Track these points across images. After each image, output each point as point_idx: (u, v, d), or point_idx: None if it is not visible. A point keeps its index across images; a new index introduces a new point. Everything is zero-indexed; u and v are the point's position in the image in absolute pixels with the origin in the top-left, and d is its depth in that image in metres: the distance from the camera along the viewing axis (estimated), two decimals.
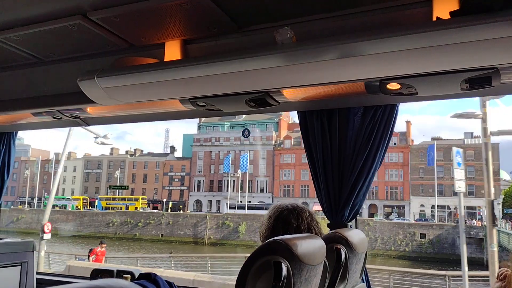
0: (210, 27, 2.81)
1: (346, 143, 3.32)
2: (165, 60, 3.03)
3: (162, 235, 65.31)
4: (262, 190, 79.98)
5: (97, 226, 68.45)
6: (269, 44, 2.49)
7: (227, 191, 78.82)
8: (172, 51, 3.04)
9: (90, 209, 79.23)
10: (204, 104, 3.14)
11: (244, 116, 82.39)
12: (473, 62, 2.17)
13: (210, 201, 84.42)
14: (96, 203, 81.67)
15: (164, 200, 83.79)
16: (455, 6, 2.15)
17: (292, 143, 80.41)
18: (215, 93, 2.93)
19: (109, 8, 2.63)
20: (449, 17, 2.10)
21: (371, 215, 69.14)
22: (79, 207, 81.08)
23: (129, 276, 3.09)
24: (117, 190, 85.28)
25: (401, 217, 67.15)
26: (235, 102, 3.04)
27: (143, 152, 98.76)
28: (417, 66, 2.27)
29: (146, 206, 79.45)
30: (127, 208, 75.46)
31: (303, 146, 3.54)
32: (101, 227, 68.37)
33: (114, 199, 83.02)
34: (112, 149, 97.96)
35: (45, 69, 3.63)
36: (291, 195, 76.89)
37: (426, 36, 2.05)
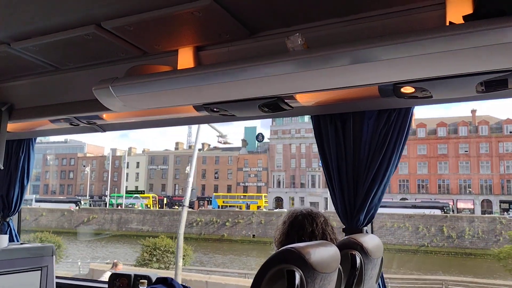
0: (222, 34, 2.85)
1: (361, 147, 3.28)
2: (178, 67, 3.09)
3: (253, 235, 58.67)
4: None
5: (178, 226, 62.39)
6: (282, 50, 2.48)
7: (312, 187, 72.52)
8: (185, 58, 3.08)
9: (159, 208, 73.46)
10: (217, 110, 3.15)
11: None
12: (488, 66, 2.14)
13: (292, 198, 76.61)
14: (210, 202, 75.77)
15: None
16: (468, 10, 2.14)
17: None
18: (228, 99, 2.94)
19: (122, 18, 2.69)
20: (462, 21, 2.08)
21: (484, 212, 62.18)
22: (148, 205, 74.91)
23: (146, 281, 3.10)
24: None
25: None
26: (248, 108, 3.03)
27: (210, 147, 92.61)
28: (431, 71, 2.24)
29: (268, 204, 71.91)
30: (248, 207, 67.09)
31: (317, 150, 3.51)
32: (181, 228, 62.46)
33: (232, 196, 75.38)
34: (177, 143, 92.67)
35: (62, 77, 3.73)
36: (387, 191, 68.13)
37: (440, 41, 2.02)
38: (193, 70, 2.81)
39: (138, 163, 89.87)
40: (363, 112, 3.29)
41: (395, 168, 3.28)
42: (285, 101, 2.96)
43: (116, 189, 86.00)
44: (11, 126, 4.33)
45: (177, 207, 74.35)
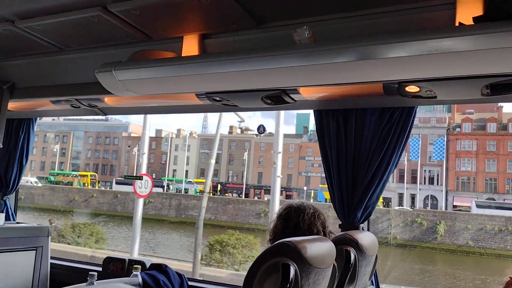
0: (228, 22, 2.83)
1: (362, 144, 3.28)
2: (182, 54, 3.08)
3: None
4: (431, 181, 66.28)
5: (244, 216, 57.44)
6: (288, 42, 2.47)
7: None
8: (190, 45, 3.08)
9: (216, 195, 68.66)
10: (220, 99, 3.15)
11: None
12: (495, 69, 2.14)
13: None
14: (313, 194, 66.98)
15: (305, 188, 69.58)
16: (478, 11, 2.13)
17: (473, 127, 66.03)
18: (231, 89, 2.94)
19: (128, 1, 2.66)
20: (472, 22, 2.08)
21: None
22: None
23: (140, 266, 3.11)
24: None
25: None
26: (251, 99, 3.06)
27: (266, 132, 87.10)
28: (437, 71, 2.24)
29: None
30: None
31: (318, 144, 3.50)
32: (249, 217, 57.25)
33: None
34: (231, 127, 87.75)
35: (65, 58, 3.71)
36: (471, 189, 63.22)
37: (448, 42, 2.01)
38: (197, 58, 2.80)
39: (188, 146, 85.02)
40: (366, 109, 3.26)
41: (395, 167, 3.26)
42: (289, 94, 2.95)
43: (163, 172, 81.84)
44: (12, 105, 4.31)
45: (230, 195, 70.07)
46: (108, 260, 3.69)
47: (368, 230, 3.38)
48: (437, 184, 65.61)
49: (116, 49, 3.37)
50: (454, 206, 61.40)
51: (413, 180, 65.20)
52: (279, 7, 2.66)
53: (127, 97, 3.59)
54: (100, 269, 3.73)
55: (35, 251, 4.10)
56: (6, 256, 3.89)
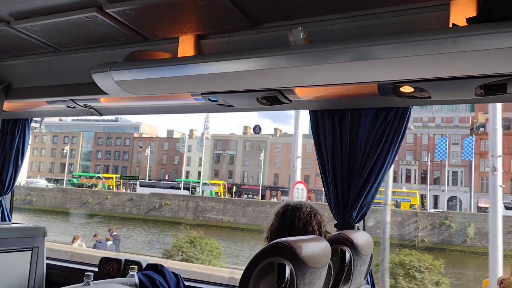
0: (224, 23, 2.82)
1: (357, 144, 3.28)
2: (178, 54, 3.07)
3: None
4: (454, 183, 64.88)
5: (264, 219, 54.96)
6: (283, 43, 2.48)
7: (407, 181, 65.72)
8: (186, 45, 3.06)
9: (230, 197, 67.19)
10: (216, 99, 3.15)
11: None
12: (489, 69, 2.15)
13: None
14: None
15: (324, 190, 69.12)
16: (472, 12, 2.15)
17: None
18: (227, 90, 2.93)
19: (124, 2, 2.65)
20: (466, 23, 2.09)
21: None
22: (219, 193, 68.17)
23: (136, 266, 3.10)
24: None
25: None
26: (247, 99, 3.05)
27: (282, 132, 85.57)
28: (431, 71, 2.25)
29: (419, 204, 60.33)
30: (397, 205, 54.95)
31: (314, 144, 3.51)
32: (267, 220, 56.38)
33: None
34: (245, 127, 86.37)
35: (61, 58, 3.70)
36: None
37: (442, 43, 2.03)
38: (193, 59, 2.80)
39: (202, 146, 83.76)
40: (361, 110, 3.26)
41: (389, 167, 3.26)
42: (284, 94, 2.96)
43: (176, 173, 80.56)
44: (7, 105, 4.30)
45: (244, 196, 68.78)
46: (105, 260, 3.71)
47: (363, 229, 3.39)
48: (461, 185, 64.07)
49: (112, 50, 3.37)
50: (479, 208, 59.87)
51: (435, 181, 63.79)
52: (274, 7, 2.66)
53: (123, 97, 3.56)
54: (96, 269, 3.75)
55: (31, 251, 4.11)
56: (2, 257, 3.89)
